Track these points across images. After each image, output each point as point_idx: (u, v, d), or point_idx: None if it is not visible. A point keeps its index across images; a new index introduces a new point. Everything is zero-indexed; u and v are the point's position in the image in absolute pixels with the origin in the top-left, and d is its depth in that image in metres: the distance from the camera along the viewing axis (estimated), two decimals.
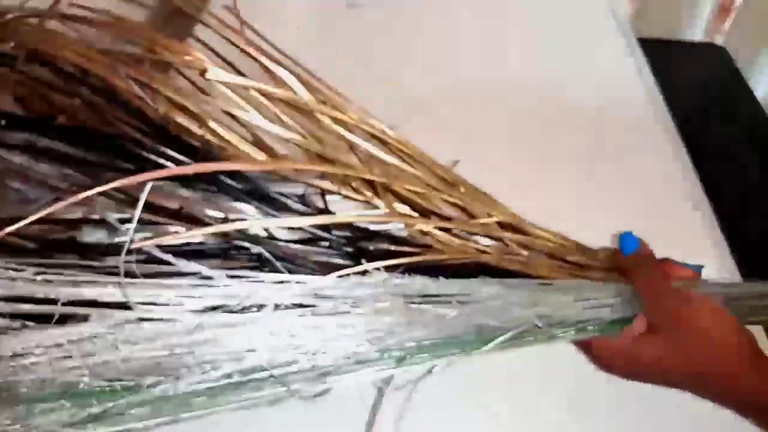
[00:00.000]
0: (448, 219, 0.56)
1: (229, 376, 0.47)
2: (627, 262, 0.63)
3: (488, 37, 1.15)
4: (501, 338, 0.53)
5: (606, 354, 0.61)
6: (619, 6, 1.29)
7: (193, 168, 0.45)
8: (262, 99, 0.50)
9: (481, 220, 0.58)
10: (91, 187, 0.42)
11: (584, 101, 1.03)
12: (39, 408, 0.44)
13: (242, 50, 0.49)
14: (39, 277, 0.43)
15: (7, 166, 0.48)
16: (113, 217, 0.46)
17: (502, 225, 0.60)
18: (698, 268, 0.63)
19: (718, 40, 1.93)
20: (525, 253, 0.60)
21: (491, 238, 0.59)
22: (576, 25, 1.22)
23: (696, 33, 1.95)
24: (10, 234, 0.41)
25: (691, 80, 1.53)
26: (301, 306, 0.48)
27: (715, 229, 0.84)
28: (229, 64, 0.53)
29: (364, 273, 0.50)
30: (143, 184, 0.42)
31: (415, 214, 0.56)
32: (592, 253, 0.64)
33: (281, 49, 0.53)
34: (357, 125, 0.54)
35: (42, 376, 0.43)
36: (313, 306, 0.48)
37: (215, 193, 0.52)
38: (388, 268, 0.52)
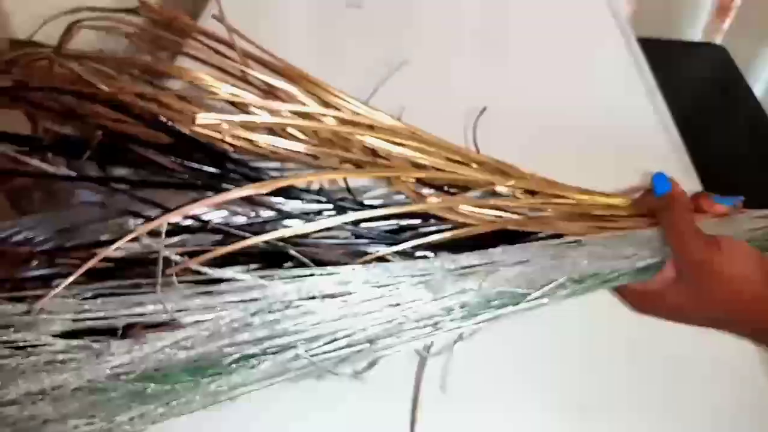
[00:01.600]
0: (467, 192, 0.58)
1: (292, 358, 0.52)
2: (658, 205, 0.61)
3: (488, 37, 1.16)
4: (529, 297, 0.54)
5: (637, 298, 0.62)
6: (618, 6, 1.28)
7: (268, 185, 0.49)
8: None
9: (499, 187, 0.58)
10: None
11: (583, 101, 1.03)
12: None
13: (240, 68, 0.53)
14: (99, 300, 0.48)
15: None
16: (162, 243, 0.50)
17: (526, 191, 0.60)
18: (735, 201, 0.63)
19: (718, 40, 1.92)
20: (550, 213, 0.60)
21: (514, 206, 0.59)
22: (575, 24, 1.22)
23: (695, 33, 1.94)
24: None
25: (690, 80, 1.54)
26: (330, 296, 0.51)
27: None
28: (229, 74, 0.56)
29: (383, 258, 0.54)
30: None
31: (435, 197, 0.57)
32: (621, 201, 0.64)
33: (277, 55, 0.56)
34: (366, 122, 0.55)
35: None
36: (347, 293, 0.51)
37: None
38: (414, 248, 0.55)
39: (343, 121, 0.54)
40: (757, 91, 1.75)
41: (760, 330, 0.57)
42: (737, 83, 1.59)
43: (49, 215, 0.57)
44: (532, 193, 0.59)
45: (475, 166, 0.58)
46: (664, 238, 0.59)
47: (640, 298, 0.62)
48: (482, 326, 0.55)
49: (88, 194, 0.56)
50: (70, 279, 0.45)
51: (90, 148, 0.52)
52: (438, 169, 0.55)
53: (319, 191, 0.58)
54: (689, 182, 0.92)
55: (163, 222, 0.47)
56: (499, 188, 0.59)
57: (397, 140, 0.55)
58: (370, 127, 0.55)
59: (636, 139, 0.98)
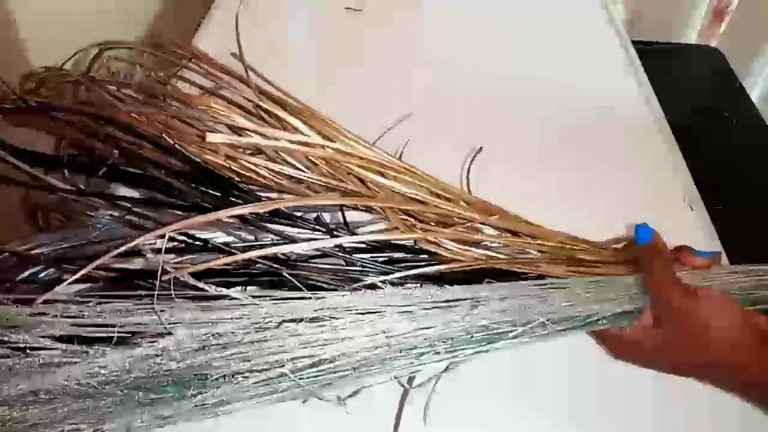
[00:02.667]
0: (452, 228, 0.59)
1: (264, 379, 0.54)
2: (639, 254, 0.63)
3: (485, 41, 1.16)
4: (511, 335, 0.55)
5: (615, 344, 0.63)
6: (614, 10, 1.30)
7: (267, 206, 0.53)
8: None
9: (485, 226, 0.61)
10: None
11: (580, 104, 1.04)
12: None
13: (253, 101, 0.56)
14: (99, 308, 0.50)
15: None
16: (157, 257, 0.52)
17: (511, 231, 0.62)
18: (713, 255, 0.63)
19: (714, 43, 1.94)
20: (535, 255, 0.62)
21: (501, 245, 0.61)
22: (572, 28, 1.23)
23: (691, 36, 1.97)
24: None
25: (686, 83, 1.53)
26: (318, 319, 0.53)
27: (710, 231, 0.84)
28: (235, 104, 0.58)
29: (373, 286, 0.56)
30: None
31: (419, 230, 0.59)
32: (604, 248, 0.65)
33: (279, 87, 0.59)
34: (364, 157, 0.58)
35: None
36: (332, 318, 0.53)
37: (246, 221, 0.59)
38: (402, 279, 0.57)
39: (339, 152, 0.57)
40: (753, 94, 1.77)
41: (746, 384, 0.57)
42: (733, 86, 1.58)
43: (66, 232, 0.60)
44: (516, 234, 0.61)
45: (462, 203, 0.60)
46: (644, 286, 0.60)
47: (617, 344, 0.63)
48: (464, 360, 0.56)
49: (105, 214, 0.59)
50: (70, 280, 0.49)
51: (106, 168, 0.55)
52: (425, 203, 0.58)
53: (316, 219, 0.60)
54: (684, 184, 0.93)
55: (161, 233, 0.50)
56: (485, 228, 0.61)
57: (391, 173, 0.58)
58: (364, 160, 0.57)
59: (632, 142, 0.99)
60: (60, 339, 0.49)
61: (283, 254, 0.58)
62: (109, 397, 0.51)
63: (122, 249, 0.49)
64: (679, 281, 0.59)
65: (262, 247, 0.58)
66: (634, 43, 1.23)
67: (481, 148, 0.72)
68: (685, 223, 0.85)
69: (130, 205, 0.57)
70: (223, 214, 0.51)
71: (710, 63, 1.67)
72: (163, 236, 0.50)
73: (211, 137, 0.52)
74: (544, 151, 0.90)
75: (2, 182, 0.56)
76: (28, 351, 0.48)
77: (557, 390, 0.67)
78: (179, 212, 0.58)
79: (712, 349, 0.56)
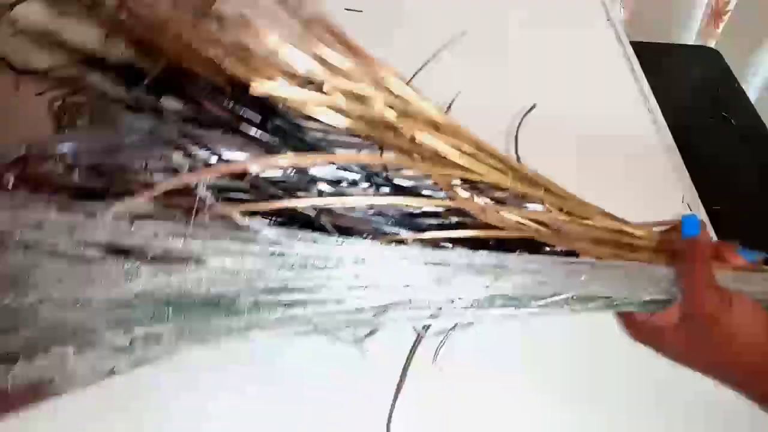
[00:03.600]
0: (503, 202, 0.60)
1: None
2: (679, 247, 0.61)
3: (483, 42, 1.14)
4: (535, 306, 0.57)
5: (635, 327, 0.63)
6: (613, 10, 1.29)
7: (310, 158, 0.54)
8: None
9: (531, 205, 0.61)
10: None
11: (578, 105, 1.03)
12: None
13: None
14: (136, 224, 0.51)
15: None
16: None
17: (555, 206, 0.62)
18: (756, 256, 0.63)
19: (712, 44, 1.93)
20: (573, 231, 0.61)
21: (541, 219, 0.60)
22: (571, 28, 1.22)
23: (689, 36, 1.95)
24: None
25: (684, 83, 1.54)
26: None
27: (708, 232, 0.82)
28: None
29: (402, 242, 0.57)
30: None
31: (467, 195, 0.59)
32: (645, 233, 0.64)
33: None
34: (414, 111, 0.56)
35: None
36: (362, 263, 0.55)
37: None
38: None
39: (392, 106, 0.55)
40: (751, 94, 1.77)
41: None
42: (731, 87, 1.60)
43: (94, 133, 0.59)
44: (563, 211, 0.61)
45: (509, 173, 0.59)
46: (678, 281, 0.59)
47: (639, 328, 0.63)
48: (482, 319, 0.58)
49: (133, 120, 0.59)
50: (127, 202, 0.49)
51: (151, 77, 0.55)
52: (474, 171, 0.57)
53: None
54: (682, 186, 0.95)
55: (209, 175, 0.51)
56: (532, 205, 0.61)
57: (442, 135, 0.57)
58: (419, 120, 0.56)
59: (629, 142, 1.00)
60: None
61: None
62: (141, 309, 0.53)
63: (173, 183, 0.49)
64: (715, 284, 0.58)
65: (298, 181, 0.59)
66: (633, 43, 1.23)
67: (534, 105, 0.71)
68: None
69: (175, 120, 0.57)
70: (274, 163, 0.52)
71: (709, 63, 1.68)
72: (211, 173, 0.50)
73: (257, 86, 0.52)
74: (539, 152, 0.88)
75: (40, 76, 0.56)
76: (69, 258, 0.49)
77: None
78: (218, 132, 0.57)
79: (738, 355, 0.56)
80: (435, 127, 0.57)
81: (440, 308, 0.58)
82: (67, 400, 0.55)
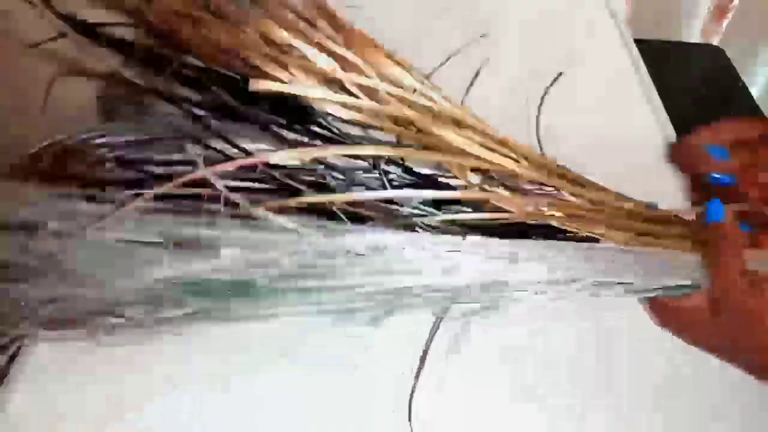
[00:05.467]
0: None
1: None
2: (707, 234, 0.59)
3: (483, 40, 1.12)
4: (549, 293, 0.59)
5: (662, 313, 0.63)
6: (616, 7, 1.27)
7: (330, 150, 0.55)
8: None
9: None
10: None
11: (580, 102, 1.03)
12: None
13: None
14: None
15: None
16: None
17: (575, 194, 0.63)
18: None
19: (715, 41, 1.93)
20: (597, 218, 0.62)
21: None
22: (572, 25, 1.21)
23: (693, 34, 1.95)
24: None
25: (687, 81, 1.53)
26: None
27: None
28: None
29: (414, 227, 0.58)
30: None
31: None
32: (674, 219, 0.64)
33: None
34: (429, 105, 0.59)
35: None
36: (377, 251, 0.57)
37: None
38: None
39: (404, 101, 0.58)
40: (755, 92, 1.79)
41: None
42: (735, 84, 1.59)
43: (129, 124, 0.62)
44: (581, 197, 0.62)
45: (525, 163, 0.61)
46: (704, 268, 0.58)
47: (666, 313, 0.62)
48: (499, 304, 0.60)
49: (162, 113, 0.61)
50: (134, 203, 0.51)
51: (173, 69, 0.58)
52: (491, 162, 0.59)
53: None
54: (683, 184, 0.91)
55: (231, 166, 0.53)
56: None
57: (457, 127, 0.59)
58: (438, 115, 0.58)
59: (633, 140, 0.99)
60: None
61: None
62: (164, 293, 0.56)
63: (192, 176, 0.52)
64: (746, 272, 0.55)
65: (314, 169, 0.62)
66: (636, 41, 1.22)
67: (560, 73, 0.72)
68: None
69: (198, 113, 0.59)
70: (295, 156, 0.53)
71: (712, 61, 1.67)
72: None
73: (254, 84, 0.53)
74: (542, 149, 0.91)
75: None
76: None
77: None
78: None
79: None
80: (453, 121, 0.59)
81: (455, 293, 0.60)
82: None
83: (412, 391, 0.65)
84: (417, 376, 0.65)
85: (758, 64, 1.90)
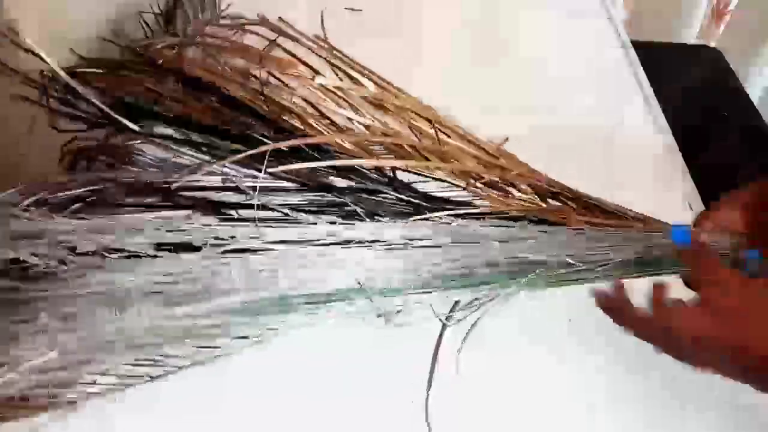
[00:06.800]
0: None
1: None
2: (685, 257, 0.64)
3: (483, 42, 1.19)
4: (532, 274, 0.62)
5: (664, 341, 0.61)
6: (614, 9, 1.31)
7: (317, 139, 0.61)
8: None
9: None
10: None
11: (579, 104, 1.07)
12: None
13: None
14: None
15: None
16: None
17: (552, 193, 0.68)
18: (755, 255, 0.64)
19: (713, 43, 1.94)
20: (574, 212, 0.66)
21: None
22: (571, 28, 1.25)
23: (691, 36, 1.98)
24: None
25: (686, 83, 1.53)
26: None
27: None
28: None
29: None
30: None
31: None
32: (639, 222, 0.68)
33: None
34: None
35: None
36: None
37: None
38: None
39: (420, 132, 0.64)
40: (753, 94, 1.79)
41: None
42: (733, 86, 1.60)
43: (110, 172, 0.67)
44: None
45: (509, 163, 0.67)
46: (689, 283, 0.63)
47: (669, 340, 0.61)
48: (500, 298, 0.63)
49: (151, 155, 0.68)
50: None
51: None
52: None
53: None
54: (684, 186, 0.96)
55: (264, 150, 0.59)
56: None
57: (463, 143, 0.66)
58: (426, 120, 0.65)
59: (631, 142, 1.02)
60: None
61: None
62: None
63: (205, 170, 0.59)
64: (725, 278, 0.59)
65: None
66: (634, 43, 1.25)
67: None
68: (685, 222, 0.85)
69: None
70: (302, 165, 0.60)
71: (710, 63, 1.68)
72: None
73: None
74: (541, 151, 0.89)
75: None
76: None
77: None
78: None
79: (755, 339, 0.55)
80: (458, 136, 0.66)
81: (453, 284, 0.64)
82: None
83: (430, 380, 0.69)
84: (432, 367, 0.69)
85: (756, 66, 1.92)
